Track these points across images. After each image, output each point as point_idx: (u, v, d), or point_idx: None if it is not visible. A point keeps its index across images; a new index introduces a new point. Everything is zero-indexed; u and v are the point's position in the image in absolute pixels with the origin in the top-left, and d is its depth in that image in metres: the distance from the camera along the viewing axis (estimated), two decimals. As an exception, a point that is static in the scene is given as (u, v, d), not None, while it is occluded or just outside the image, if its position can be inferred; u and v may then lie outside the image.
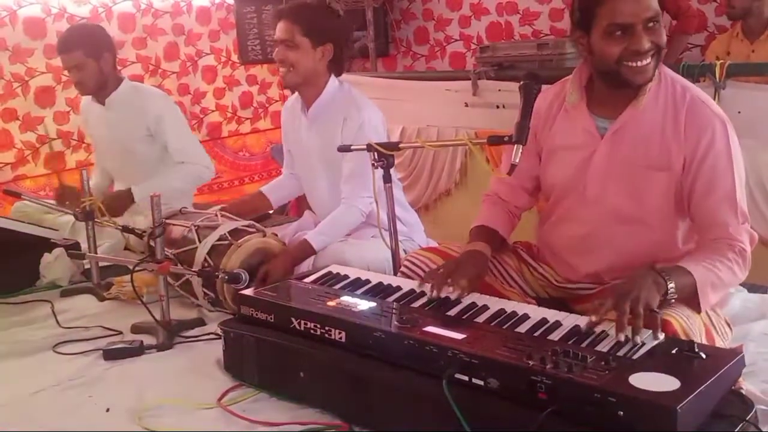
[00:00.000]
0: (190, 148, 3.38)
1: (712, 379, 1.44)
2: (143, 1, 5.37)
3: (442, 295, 1.91)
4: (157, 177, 3.29)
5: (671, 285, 1.70)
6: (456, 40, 5.93)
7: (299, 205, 4.11)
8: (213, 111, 5.92)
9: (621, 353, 1.55)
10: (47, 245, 2.96)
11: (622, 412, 1.37)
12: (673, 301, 1.72)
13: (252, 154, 6.22)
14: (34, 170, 4.84)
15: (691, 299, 1.76)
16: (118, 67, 5.02)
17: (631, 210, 1.98)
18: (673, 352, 1.54)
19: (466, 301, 1.90)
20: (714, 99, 3.17)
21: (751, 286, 2.44)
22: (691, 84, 1.99)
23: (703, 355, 1.51)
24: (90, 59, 3.27)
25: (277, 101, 6.27)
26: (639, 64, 1.86)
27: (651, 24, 1.85)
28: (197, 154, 3.38)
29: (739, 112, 3.16)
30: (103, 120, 3.44)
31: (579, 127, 2.02)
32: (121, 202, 3.21)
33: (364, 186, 2.59)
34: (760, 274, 2.33)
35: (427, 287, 1.95)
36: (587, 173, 2.02)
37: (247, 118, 6.16)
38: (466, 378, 1.57)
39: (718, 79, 3.17)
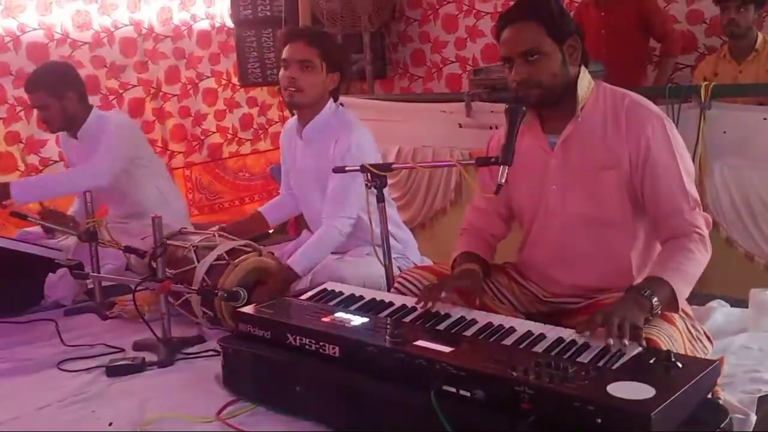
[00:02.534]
0: (96, 155, 3.37)
1: (687, 386, 1.51)
2: (144, 25, 5.46)
3: (436, 308, 1.99)
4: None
5: (655, 300, 1.80)
6: (452, 62, 6.02)
7: (298, 224, 4.19)
8: (214, 132, 6.01)
9: (601, 364, 1.62)
10: (52, 265, 3.03)
11: (600, 420, 1.44)
12: (658, 312, 1.81)
13: (252, 175, 6.30)
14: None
15: (670, 303, 1.87)
16: (120, 91, 5.17)
17: (592, 213, 2.09)
18: (651, 362, 1.62)
19: (456, 315, 1.98)
20: (700, 119, 3.27)
21: (734, 301, 2.51)
22: (630, 92, 2.13)
23: (679, 365, 1.58)
24: (53, 98, 3.36)
25: (276, 122, 6.35)
26: (521, 93, 2.04)
27: (531, 57, 2.01)
28: (97, 161, 3.36)
29: (725, 132, 3.26)
30: (76, 152, 3.55)
31: (534, 145, 2.15)
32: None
33: (343, 206, 2.70)
34: (742, 288, 2.40)
35: (421, 304, 2.03)
36: (547, 187, 2.14)
37: (248, 140, 6.24)
38: (453, 389, 1.64)
39: (703, 100, 3.26)
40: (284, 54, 2.80)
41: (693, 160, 3.25)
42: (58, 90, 3.36)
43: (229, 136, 6.13)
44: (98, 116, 3.53)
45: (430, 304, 2.01)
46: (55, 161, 4.98)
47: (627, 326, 1.68)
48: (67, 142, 3.61)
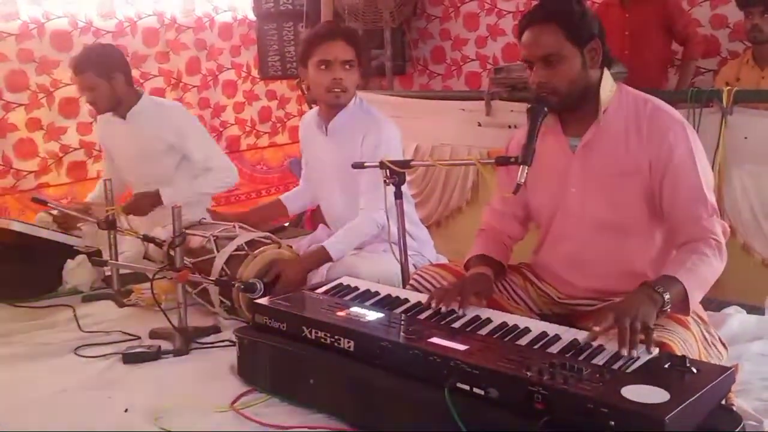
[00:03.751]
0: (214, 155, 3.52)
1: (701, 392, 1.51)
2: (167, 16, 5.51)
3: (449, 308, 2.01)
4: (184, 183, 3.42)
5: (667, 296, 1.80)
6: (472, 60, 6.03)
7: (314, 219, 4.21)
8: (232, 125, 6.05)
9: (616, 366, 1.63)
10: (70, 252, 3.06)
11: (613, 422, 1.44)
12: (668, 309, 1.80)
13: (269, 168, 6.34)
14: (57, 179, 4.96)
15: (681, 303, 1.86)
16: (141, 81, 5.20)
17: (611, 217, 2.10)
18: (666, 366, 1.62)
19: (471, 314, 1.98)
20: (721, 124, 3.26)
21: (750, 308, 2.51)
22: (652, 96, 2.13)
23: (694, 370, 1.58)
24: (101, 79, 3.38)
25: (295, 116, 6.39)
26: (542, 94, 2.07)
27: (550, 61, 2.02)
28: (221, 159, 3.53)
29: (746, 138, 3.25)
30: (124, 133, 3.56)
31: (555, 147, 2.15)
32: (149, 200, 3.35)
33: (380, 198, 2.68)
34: (759, 296, 2.40)
35: (433, 303, 2.04)
36: (566, 190, 2.14)
37: (266, 132, 6.28)
38: (467, 387, 1.65)
39: (725, 105, 3.25)
40: (322, 55, 2.77)
41: (713, 165, 3.25)
42: (107, 71, 3.38)
43: (248, 129, 6.17)
44: (155, 103, 3.59)
45: (441, 306, 2.02)
46: (75, 148, 5.04)
47: (638, 326, 1.68)
48: (110, 123, 3.61)
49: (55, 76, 4.91)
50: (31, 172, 4.84)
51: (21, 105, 4.77)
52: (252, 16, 6.01)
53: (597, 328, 1.74)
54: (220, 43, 5.88)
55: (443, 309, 2.00)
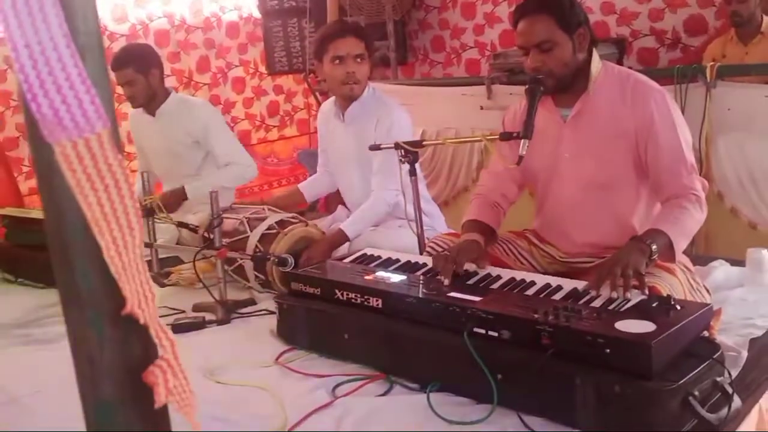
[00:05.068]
0: (234, 150, 3.76)
1: (683, 323, 1.76)
2: (177, 17, 5.74)
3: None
4: (207, 177, 3.67)
5: (654, 247, 2.05)
6: (471, 48, 6.26)
7: (327, 203, 4.47)
8: (243, 119, 6.28)
9: (611, 307, 1.88)
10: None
11: (608, 350, 1.70)
12: (656, 257, 2.06)
13: (280, 160, 6.57)
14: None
15: (668, 252, 2.11)
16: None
17: (600, 178, 2.36)
18: (654, 305, 1.87)
19: (483, 272, 2.24)
20: (705, 98, 3.52)
21: (733, 261, 2.76)
22: (633, 71, 2.40)
23: (678, 307, 1.84)
24: (139, 75, 3.62)
25: (302, 109, 6.61)
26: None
27: (544, 47, 2.27)
28: (241, 155, 3.77)
29: (729, 109, 3.50)
30: (153, 130, 3.81)
31: (548, 118, 2.40)
32: (175, 199, 3.61)
33: (391, 179, 2.93)
34: (741, 251, 2.66)
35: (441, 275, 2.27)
36: (560, 155, 2.40)
37: (275, 126, 6.51)
38: (483, 331, 1.90)
39: (708, 80, 3.50)
40: (335, 51, 3.03)
41: (699, 135, 3.51)
42: (145, 66, 3.63)
43: (257, 123, 6.39)
44: (183, 100, 3.83)
45: (448, 277, 2.21)
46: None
47: (630, 272, 1.94)
48: (141, 119, 3.85)
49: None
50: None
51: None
52: (257, 14, 6.24)
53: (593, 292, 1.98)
54: (228, 41, 6.11)
55: (445, 282, 2.17)
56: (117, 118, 0.82)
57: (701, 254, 3.15)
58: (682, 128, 2.29)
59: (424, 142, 2.65)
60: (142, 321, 0.82)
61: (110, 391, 0.89)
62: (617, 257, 2.03)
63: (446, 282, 2.15)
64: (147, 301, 0.83)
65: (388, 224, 3.15)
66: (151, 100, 3.72)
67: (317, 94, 5.43)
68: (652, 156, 2.27)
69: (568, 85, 2.33)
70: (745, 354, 2.02)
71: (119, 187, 0.77)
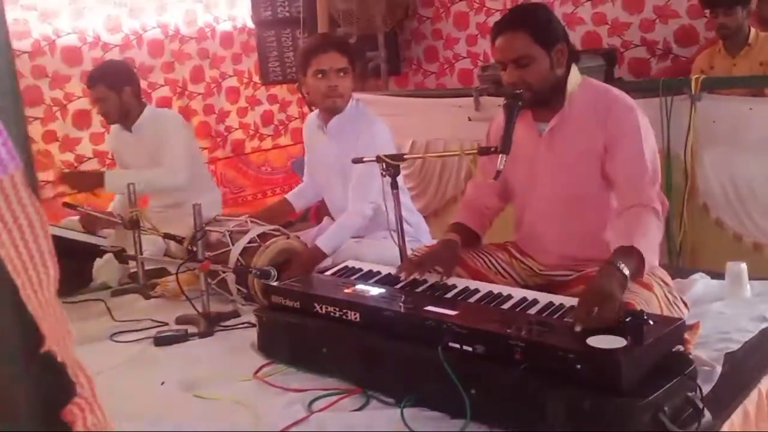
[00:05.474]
0: (174, 157, 3.70)
1: (654, 338, 1.77)
2: (171, 28, 5.76)
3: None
4: (134, 170, 3.76)
5: (627, 272, 2.01)
6: (464, 58, 6.27)
7: (319, 213, 4.48)
8: (237, 129, 6.30)
9: (584, 322, 1.89)
10: (96, 252, 3.33)
11: (579, 366, 1.71)
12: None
13: (274, 169, 6.58)
14: (73, 188, 5.23)
15: (638, 273, 2.09)
16: (148, 91, 5.47)
17: (573, 191, 2.39)
18: (627, 320, 1.88)
19: (461, 285, 2.26)
20: (690, 110, 3.53)
21: (714, 274, 2.77)
22: (611, 87, 2.44)
23: (651, 322, 1.84)
24: (111, 92, 3.69)
25: (296, 118, 6.64)
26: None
27: (521, 63, 2.30)
28: (175, 163, 3.69)
29: (714, 122, 3.51)
30: (131, 145, 3.86)
31: (526, 133, 2.42)
32: (85, 180, 3.74)
33: (366, 193, 2.97)
34: (721, 263, 2.67)
35: (403, 275, 2.35)
36: (536, 168, 2.43)
37: (269, 135, 6.53)
38: (458, 345, 1.91)
39: (693, 92, 3.51)
40: (318, 65, 3.05)
41: (685, 148, 3.52)
42: (117, 84, 3.68)
43: (252, 132, 6.41)
44: (154, 113, 3.86)
45: (407, 278, 2.33)
46: (90, 158, 5.31)
47: (622, 314, 1.84)
48: (120, 136, 3.90)
49: (68, 90, 5.18)
50: (48, 182, 5.10)
51: (37, 119, 5.04)
52: (251, 25, 6.26)
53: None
54: (222, 51, 6.13)
55: (403, 278, 2.32)
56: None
57: (686, 267, 3.16)
58: (648, 140, 2.32)
59: (405, 156, 2.67)
60: (59, 358, 0.82)
61: (28, 429, 0.88)
62: (600, 295, 1.90)
63: (402, 277, 2.24)
64: (64, 338, 0.84)
65: (372, 235, 3.16)
66: (124, 116, 3.78)
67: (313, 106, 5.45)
68: (617, 166, 2.30)
69: (546, 100, 2.35)
70: (719, 369, 2.03)
71: (32, 226, 0.78)
